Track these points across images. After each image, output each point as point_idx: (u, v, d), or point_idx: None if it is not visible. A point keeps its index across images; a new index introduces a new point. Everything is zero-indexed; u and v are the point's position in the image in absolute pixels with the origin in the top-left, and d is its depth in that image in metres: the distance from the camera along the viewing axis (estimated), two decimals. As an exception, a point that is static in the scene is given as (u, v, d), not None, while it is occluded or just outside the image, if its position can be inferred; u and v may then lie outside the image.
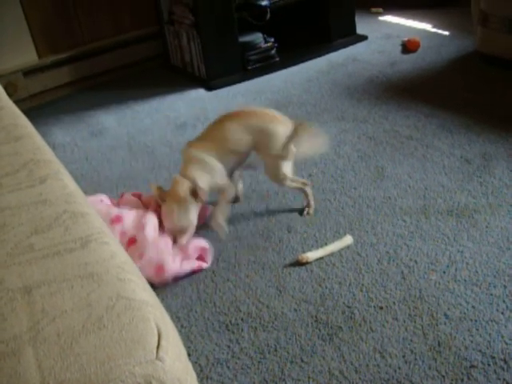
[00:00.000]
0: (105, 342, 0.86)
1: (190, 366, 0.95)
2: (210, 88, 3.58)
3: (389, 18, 4.43)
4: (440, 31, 4.00)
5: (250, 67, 3.72)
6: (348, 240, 2.04)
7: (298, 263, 1.98)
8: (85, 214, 1.24)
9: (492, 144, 2.52)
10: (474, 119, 2.75)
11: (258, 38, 3.74)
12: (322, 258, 1.98)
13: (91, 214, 1.26)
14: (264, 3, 3.69)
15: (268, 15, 3.67)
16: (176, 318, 1.81)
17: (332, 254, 2.00)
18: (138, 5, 3.98)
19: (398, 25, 4.27)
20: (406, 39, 3.79)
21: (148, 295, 1.01)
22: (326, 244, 2.05)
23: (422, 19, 4.26)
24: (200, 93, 3.57)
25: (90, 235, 1.14)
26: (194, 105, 3.40)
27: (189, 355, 1.07)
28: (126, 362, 0.83)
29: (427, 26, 4.12)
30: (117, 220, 2.03)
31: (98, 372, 0.82)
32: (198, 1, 3.43)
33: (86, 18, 3.82)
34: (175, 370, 0.87)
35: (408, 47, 3.72)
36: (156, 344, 0.87)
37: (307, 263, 1.97)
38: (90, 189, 2.49)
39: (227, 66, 3.64)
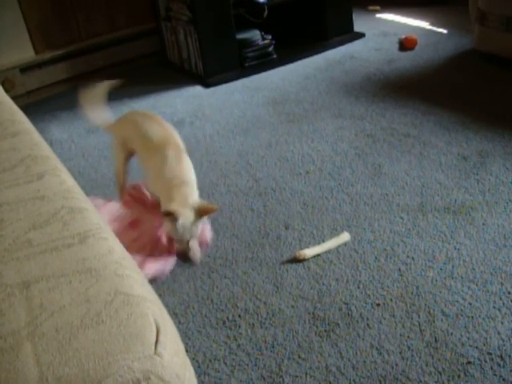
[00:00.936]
0: (103, 337, 0.86)
1: (188, 361, 0.95)
2: (207, 85, 3.58)
3: (386, 16, 4.43)
4: (437, 29, 4.00)
5: (247, 64, 3.72)
6: (345, 237, 2.04)
7: (295, 260, 1.98)
8: (83, 209, 1.24)
9: (489, 141, 2.52)
10: (471, 117, 2.75)
11: (255, 35, 3.74)
12: (319, 255, 1.98)
13: (89, 209, 1.26)
14: (262, 0, 3.69)
15: (266, 12, 3.67)
16: (173, 315, 1.81)
17: (329, 251, 2.00)
18: (135, 1, 3.98)
19: (395, 22, 4.27)
20: (403, 37, 3.80)
21: (146, 291, 1.01)
22: (323, 241, 2.05)
23: (419, 17, 4.26)
24: (197, 90, 3.56)
25: (88, 231, 1.14)
26: (191, 102, 3.40)
27: (186, 351, 1.07)
28: (124, 357, 0.83)
29: (424, 24, 4.13)
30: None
31: (97, 367, 0.82)
32: (196, -3, 3.42)
33: (83, 15, 3.81)
34: (173, 365, 0.87)
35: (405, 45, 3.73)
36: (154, 339, 0.87)
37: (304, 260, 1.97)
38: (87, 185, 2.49)
39: (224, 63, 3.64)
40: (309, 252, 1.99)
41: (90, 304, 0.93)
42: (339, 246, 2.02)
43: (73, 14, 3.77)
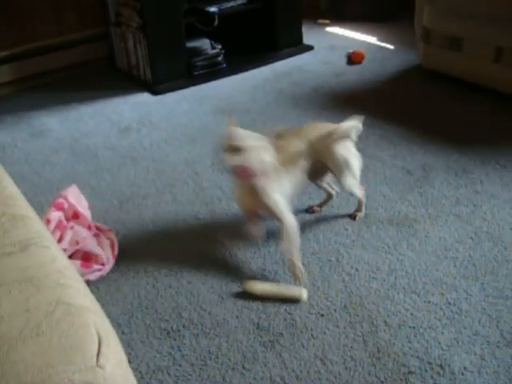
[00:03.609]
0: (43, 349, 0.84)
1: (130, 372, 0.94)
2: (155, 92, 3.55)
3: (335, 30, 4.50)
4: (385, 44, 4.09)
5: (196, 73, 3.71)
6: (303, 294, 1.83)
7: (244, 288, 1.89)
8: (25, 217, 1.21)
9: (432, 156, 2.59)
10: (416, 131, 2.82)
11: (205, 43, 3.73)
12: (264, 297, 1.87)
13: (31, 217, 1.23)
14: (212, 9, 3.69)
15: (216, 22, 3.67)
16: (117, 325, 1.78)
17: (277, 295, 1.86)
18: (84, 5, 3.92)
19: (343, 36, 4.34)
20: (351, 51, 3.85)
21: (88, 301, 0.99)
22: (278, 282, 1.94)
23: (367, 32, 4.34)
24: (145, 97, 3.53)
25: (30, 239, 1.11)
26: (138, 109, 3.37)
27: (129, 362, 1.06)
28: (65, 369, 0.82)
29: (372, 39, 4.21)
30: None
31: (36, 380, 0.80)
32: (146, 4, 3.40)
33: (30, 16, 3.73)
34: (115, 376, 0.85)
35: (353, 59, 3.79)
36: (96, 351, 0.86)
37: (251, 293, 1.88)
38: (29, 191, 2.43)
39: (173, 71, 3.62)
40: (259, 287, 1.88)
41: (30, 314, 0.90)
42: (290, 297, 1.85)
43: (18, 14, 3.69)
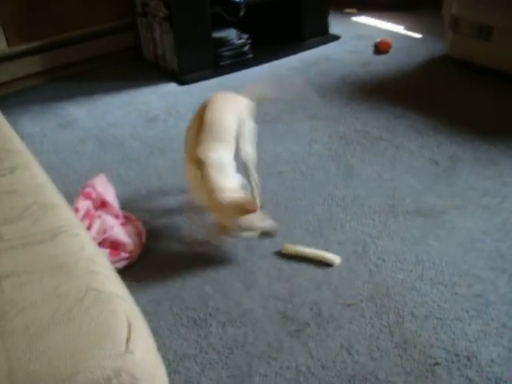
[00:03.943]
0: (74, 334, 0.86)
1: (159, 359, 0.96)
2: (182, 82, 3.56)
3: (362, 19, 4.45)
4: (412, 34, 4.04)
5: (222, 63, 3.71)
6: (335, 259, 1.95)
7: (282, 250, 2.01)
8: (54, 205, 1.23)
9: (460, 146, 2.56)
10: (443, 122, 2.79)
11: (231, 34, 3.73)
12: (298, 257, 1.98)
13: (61, 205, 1.25)
14: (239, -1, 3.69)
15: (242, 11, 3.67)
16: (144, 312, 1.80)
17: (308, 258, 1.98)
18: (111, -4, 3.94)
19: (370, 26, 4.30)
20: (378, 40, 3.82)
21: (118, 288, 1.01)
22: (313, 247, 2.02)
23: (394, 21, 4.30)
24: (172, 87, 3.55)
25: (60, 227, 1.13)
26: (165, 99, 3.38)
27: (157, 349, 1.09)
28: (94, 355, 0.83)
29: (399, 28, 4.16)
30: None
31: (67, 364, 0.82)
32: (172, -6, 3.41)
33: (58, 7, 3.75)
34: (145, 363, 0.87)
35: (380, 48, 3.75)
36: (126, 337, 0.87)
37: (284, 254, 1.99)
38: (58, 181, 2.44)
39: (200, 61, 3.63)
40: (292, 248, 2.00)
41: (61, 300, 0.92)
42: (323, 261, 1.95)
43: (48, 6, 3.72)
